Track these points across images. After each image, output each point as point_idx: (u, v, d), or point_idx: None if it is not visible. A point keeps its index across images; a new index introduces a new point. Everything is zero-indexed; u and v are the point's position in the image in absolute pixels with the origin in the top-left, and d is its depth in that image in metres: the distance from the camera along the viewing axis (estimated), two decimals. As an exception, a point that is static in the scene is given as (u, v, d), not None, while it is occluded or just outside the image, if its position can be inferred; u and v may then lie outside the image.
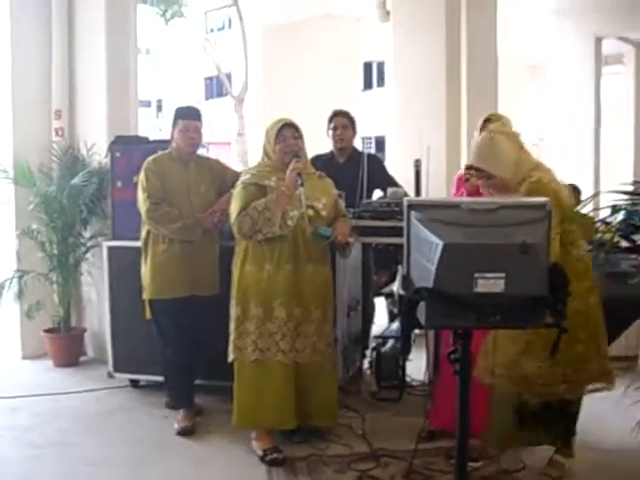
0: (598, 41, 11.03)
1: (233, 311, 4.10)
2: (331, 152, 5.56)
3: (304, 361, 4.09)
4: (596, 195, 3.19)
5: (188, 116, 4.56)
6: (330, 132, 5.49)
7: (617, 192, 2.88)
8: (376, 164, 5.50)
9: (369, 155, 5.57)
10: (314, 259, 4.09)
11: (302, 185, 3.94)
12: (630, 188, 2.99)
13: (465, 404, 2.78)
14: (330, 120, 5.51)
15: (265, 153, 4.18)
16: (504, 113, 4.61)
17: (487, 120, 4.12)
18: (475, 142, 3.61)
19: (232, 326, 4.10)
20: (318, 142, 5.51)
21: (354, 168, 5.26)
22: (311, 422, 4.20)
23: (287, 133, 4.09)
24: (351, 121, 5.50)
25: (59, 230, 5.90)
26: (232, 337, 4.09)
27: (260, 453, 4.04)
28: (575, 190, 6.85)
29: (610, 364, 3.56)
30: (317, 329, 4.12)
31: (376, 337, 5.30)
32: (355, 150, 5.56)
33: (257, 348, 4.01)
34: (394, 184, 5.29)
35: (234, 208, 3.99)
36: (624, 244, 5.82)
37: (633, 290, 5.46)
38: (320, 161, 5.25)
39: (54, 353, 5.98)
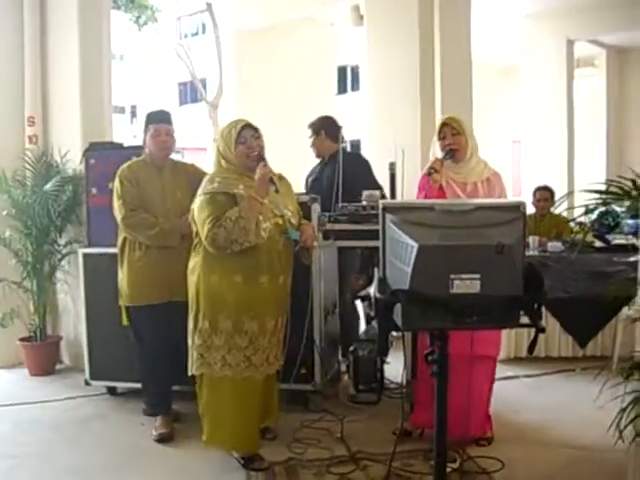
0: (570, 44, 11.14)
1: (195, 324, 3.93)
2: None
3: (272, 371, 4.08)
4: (570, 194, 3.21)
5: (159, 120, 4.55)
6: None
7: (590, 191, 2.91)
8: (358, 165, 5.58)
9: (354, 156, 5.68)
10: (284, 271, 4.00)
11: (277, 192, 3.85)
12: (603, 187, 3.01)
13: (443, 405, 2.79)
14: None
15: (223, 158, 3.94)
16: (474, 116, 4.66)
17: (444, 124, 4.14)
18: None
19: (197, 339, 3.93)
20: (293, 146, 5.55)
21: (330, 168, 5.38)
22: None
23: (247, 134, 3.91)
24: (315, 130, 5.68)
25: (33, 237, 5.86)
26: (199, 350, 3.91)
27: (241, 462, 3.99)
28: (548, 191, 6.92)
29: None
30: (279, 338, 4.09)
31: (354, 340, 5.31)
32: (343, 152, 5.63)
33: (226, 363, 3.88)
34: (376, 186, 5.34)
35: (204, 219, 3.76)
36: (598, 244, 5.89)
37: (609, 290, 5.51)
38: (316, 166, 5.67)
39: (30, 362, 5.94)
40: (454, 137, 4.07)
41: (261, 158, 3.88)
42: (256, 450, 4.03)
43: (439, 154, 4.12)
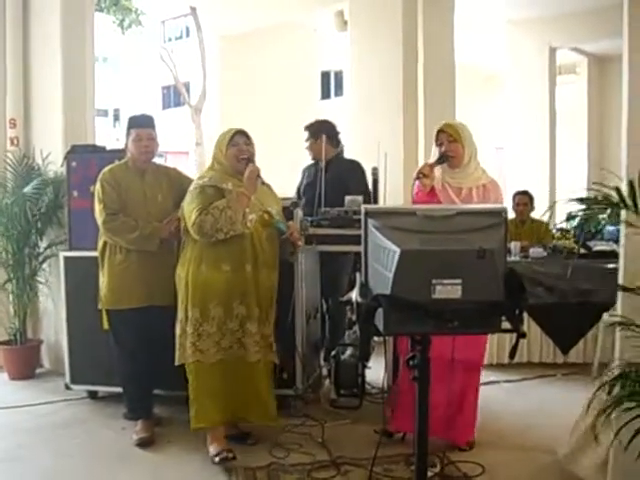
0: (552, 51, 11.19)
1: (185, 314, 4.10)
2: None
3: (266, 359, 4.21)
4: (552, 206, 3.24)
5: (141, 124, 4.53)
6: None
7: (574, 200, 2.92)
8: (352, 169, 5.65)
9: (348, 160, 5.72)
10: (268, 264, 4.18)
11: (263, 184, 4.17)
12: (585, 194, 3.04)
13: (424, 410, 2.79)
14: None
15: (215, 159, 4.22)
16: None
17: (440, 131, 4.16)
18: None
19: (187, 328, 4.09)
20: (276, 151, 5.55)
21: (330, 172, 5.42)
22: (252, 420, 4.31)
23: (239, 140, 4.18)
24: (312, 133, 5.71)
25: (14, 240, 5.82)
26: (191, 339, 4.06)
27: (213, 453, 4.06)
28: (527, 195, 6.97)
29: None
30: (268, 329, 4.23)
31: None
32: (337, 156, 5.72)
33: (220, 348, 4.06)
34: (367, 191, 5.37)
35: (193, 208, 3.99)
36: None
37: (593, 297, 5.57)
38: (309, 168, 5.79)
39: (9, 366, 5.89)
40: (450, 144, 4.08)
41: (249, 160, 4.16)
42: (272, 421, 4.28)
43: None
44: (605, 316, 5.36)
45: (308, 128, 5.75)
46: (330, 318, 5.59)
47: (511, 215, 6.68)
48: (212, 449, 4.09)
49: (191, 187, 4.13)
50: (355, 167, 5.71)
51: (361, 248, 2.69)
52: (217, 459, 4.02)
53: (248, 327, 4.09)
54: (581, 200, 2.95)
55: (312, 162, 5.82)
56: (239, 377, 4.13)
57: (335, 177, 5.33)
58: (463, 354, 3.83)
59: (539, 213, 7.04)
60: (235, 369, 4.11)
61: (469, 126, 4.21)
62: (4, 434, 4.64)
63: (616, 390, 2.75)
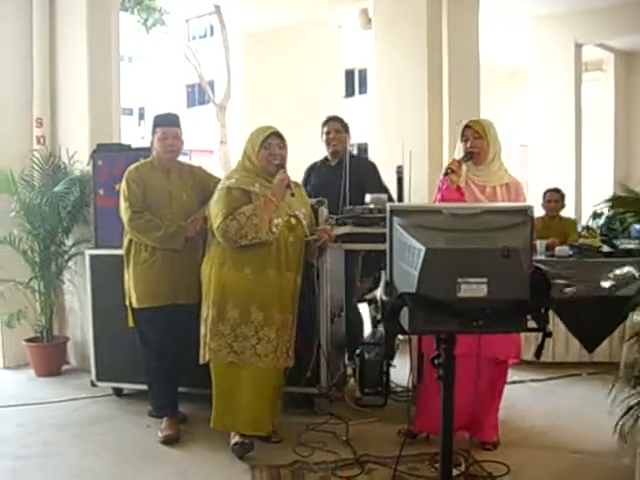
0: (578, 47, 11.11)
1: (207, 312, 4.13)
2: (325, 157, 5.70)
3: (278, 365, 4.16)
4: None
5: (166, 123, 4.55)
6: (324, 136, 5.62)
7: (604, 203, 2.91)
8: (366, 168, 5.57)
9: (363, 159, 5.68)
10: (292, 268, 4.17)
11: (293, 195, 4.08)
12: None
13: (449, 409, 2.78)
14: (324, 125, 5.65)
15: (246, 156, 4.20)
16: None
17: (467, 127, 4.14)
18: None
19: (204, 327, 4.14)
20: (300, 149, 5.54)
21: (343, 171, 5.31)
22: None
23: (274, 142, 4.14)
24: (344, 126, 5.62)
25: (41, 238, 5.87)
26: (205, 339, 4.13)
27: (231, 443, 4.12)
28: (558, 193, 6.93)
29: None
30: (290, 335, 4.21)
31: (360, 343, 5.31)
32: (350, 155, 5.59)
33: (232, 351, 4.06)
34: (383, 189, 5.33)
35: (219, 210, 4.00)
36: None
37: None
38: (314, 169, 5.63)
39: (36, 363, 5.94)
40: (476, 140, 4.08)
41: (281, 166, 4.12)
42: (262, 431, 4.17)
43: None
44: (633, 316, 5.30)
45: (340, 120, 5.64)
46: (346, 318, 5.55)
47: (539, 213, 6.63)
48: (232, 440, 4.14)
49: (219, 185, 4.14)
50: (371, 166, 5.69)
51: (386, 246, 2.69)
52: (234, 447, 4.08)
53: (266, 333, 4.07)
54: (609, 200, 2.94)
55: (320, 160, 5.72)
56: (259, 383, 4.10)
57: (351, 176, 5.28)
58: (485, 351, 3.80)
59: (567, 211, 7.00)
60: (254, 375, 4.08)
61: (494, 123, 4.20)
62: (32, 430, 4.68)
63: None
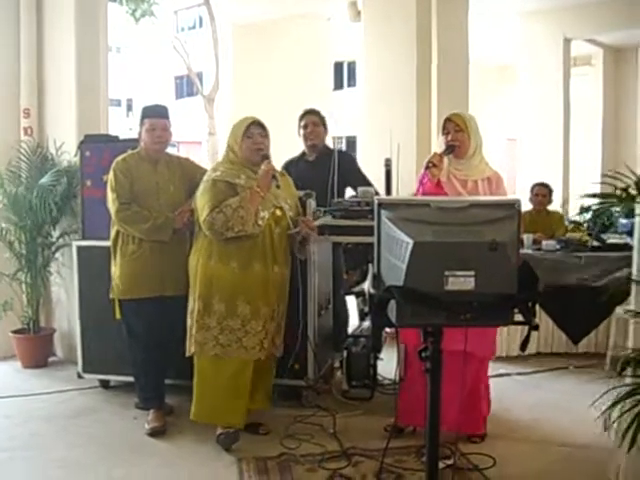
0: (567, 42, 11.14)
1: (193, 305, 4.14)
2: (302, 152, 5.60)
3: (264, 356, 4.18)
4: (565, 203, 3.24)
5: (155, 114, 4.53)
6: (301, 130, 5.53)
7: (591, 196, 2.92)
8: (347, 161, 5.47)
9: (340, 152, 5.58)
10: (279, 261, 4.18)
11: (278, 187, 4.07)
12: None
13: (436, 402, 2.79)
14: (301, 118, 5.55)
15: (230, 149, 4.21)
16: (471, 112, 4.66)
17: (447, 120, 4.15)
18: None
19: (190, 320, 4.16)
20: (289, 142, 5.52)
21: (323, 166, 5.28)
22: (251, 406, 4.29)
23: (255, 131, 4.15)
24: (321, 119, 5.54)
25: (28, 230, 5.83)
26: (191, 331, 4.14)
27: (217, 433, 4.13)
28: (546, 187, 6.96)
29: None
30: (277, 326, 4.25)
31: (347, 336, 5.32)
32: (327, 148, 5.56)
33: (218, 343, 4.07)
34: (366, 182, 5.31)
35: (205, 203, 4.00)
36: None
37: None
38: (291, 164, 5.48)
39: (22, 354, 5.92)
40: (457, 134, 4.09)
41: (265, 156, 4.11)
42: (238, 424, 4.15)
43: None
44: (618, 309, 5.33)
45: (317, 114, 5.54)
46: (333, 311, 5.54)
47: (526, 207, 6.66)
48: (217, 431, 4.15)
49: (205, 177, 4.14)
50: (351, 159, 5.64)
51: (373, 239, 2.69)
52: (220, 438, 4.09)
53: (252, 326, 4.09)
54: (594, 195, 2.94)
55: (297, 156, 5.61)
56: (242, 376, 4.11)
57: (329, 170, 5.23)
58: (472, 346, 3.81)
59: (554, 206, 7.03)
60: (234, 367, 4.09)
61: (480, 117, 4.21)
62: (18, 422, 4.66)
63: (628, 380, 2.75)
